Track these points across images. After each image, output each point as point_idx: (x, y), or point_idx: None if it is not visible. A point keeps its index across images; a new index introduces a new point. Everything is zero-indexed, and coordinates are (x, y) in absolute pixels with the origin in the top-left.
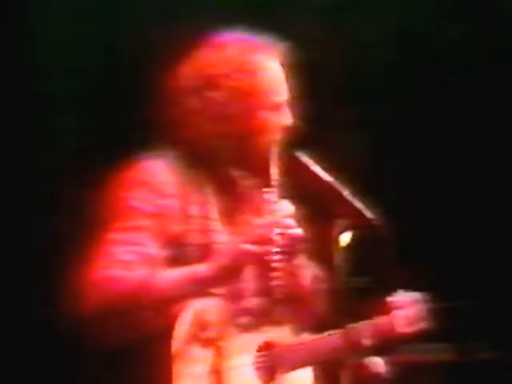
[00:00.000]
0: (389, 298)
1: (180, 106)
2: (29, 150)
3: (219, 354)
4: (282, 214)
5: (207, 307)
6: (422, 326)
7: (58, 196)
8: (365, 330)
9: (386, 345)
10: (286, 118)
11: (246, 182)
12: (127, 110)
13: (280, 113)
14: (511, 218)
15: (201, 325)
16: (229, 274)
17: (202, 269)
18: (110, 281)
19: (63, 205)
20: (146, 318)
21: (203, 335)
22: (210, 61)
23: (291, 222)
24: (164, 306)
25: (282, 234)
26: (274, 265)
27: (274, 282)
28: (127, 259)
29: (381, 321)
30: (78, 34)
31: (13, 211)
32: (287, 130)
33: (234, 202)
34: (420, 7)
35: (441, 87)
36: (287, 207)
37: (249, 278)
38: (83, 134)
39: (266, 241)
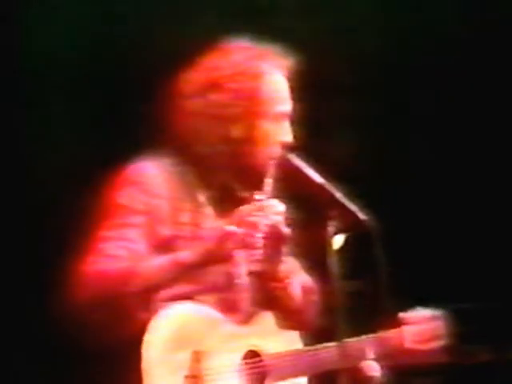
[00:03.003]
0: (401, 314)
1: (182, 109)
2: (25, 151)
3: (198, 358)
4: (271, 209)
5: (188, 321)
6: (438, 344)
7: (52, 196)
8: (368, 343)
9: (392, 360)
10: (287, 135)
11: (242, 191)
12: (127, 113)
13: (281, 126)
14: (509, 219)
15: (179, 343)
16: (213, 259)
17: (186, 254)
18: (98, 274)
19: (57, 204)
20: (134, 309)
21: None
22: (215, 65)
23: (279, 218)
24: (150, 294)
25: (268, 225)
26: (257, 251)
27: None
28: (117, 254)
29: (387, 335)
30: (79, 36)
31: (6, 211)
32: (286, 147)
33: (230, 212)
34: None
35: (436, 85)
36: (277, 205)
37: (241, 288)
38: (81, 136)
39: (250, 225)
